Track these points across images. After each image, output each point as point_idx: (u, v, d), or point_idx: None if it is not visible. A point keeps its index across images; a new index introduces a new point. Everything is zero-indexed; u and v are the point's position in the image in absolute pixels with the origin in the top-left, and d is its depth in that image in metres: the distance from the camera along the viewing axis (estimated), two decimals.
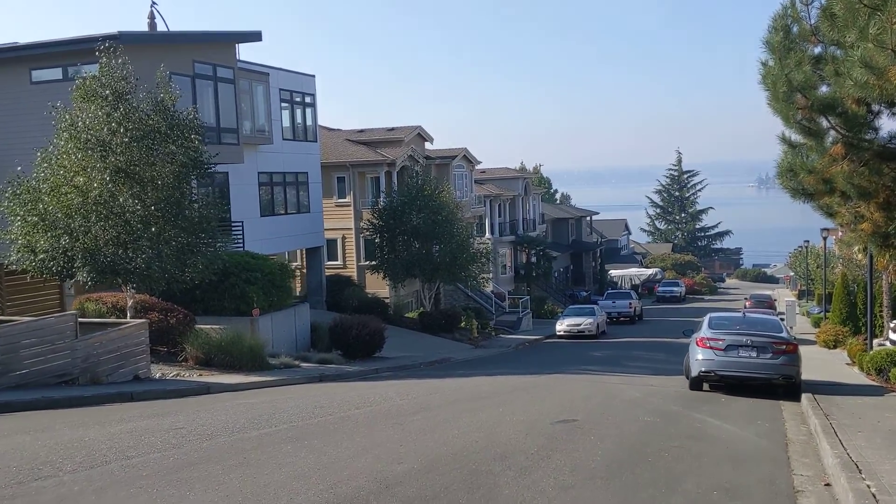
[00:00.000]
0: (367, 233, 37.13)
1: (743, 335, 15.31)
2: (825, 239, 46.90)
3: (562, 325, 39.56)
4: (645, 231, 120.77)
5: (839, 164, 11.66)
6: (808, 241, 65.14)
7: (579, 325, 39.07)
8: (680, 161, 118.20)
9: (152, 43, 23.98)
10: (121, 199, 18.20)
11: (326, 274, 37.77)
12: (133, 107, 18.71)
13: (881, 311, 34.99)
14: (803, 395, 14.33)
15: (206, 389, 15.55)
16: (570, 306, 45.92)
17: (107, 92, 18.75)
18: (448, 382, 17.18)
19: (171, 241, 18.77)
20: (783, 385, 15.25)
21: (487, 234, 56.48)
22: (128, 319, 17.52)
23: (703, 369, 15.31)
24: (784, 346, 15.12)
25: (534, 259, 61.67)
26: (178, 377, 17.14)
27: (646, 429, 10.22)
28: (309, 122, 35.72)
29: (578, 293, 66.60)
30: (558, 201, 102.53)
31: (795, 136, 12.05)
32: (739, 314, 17.39)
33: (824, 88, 11.68)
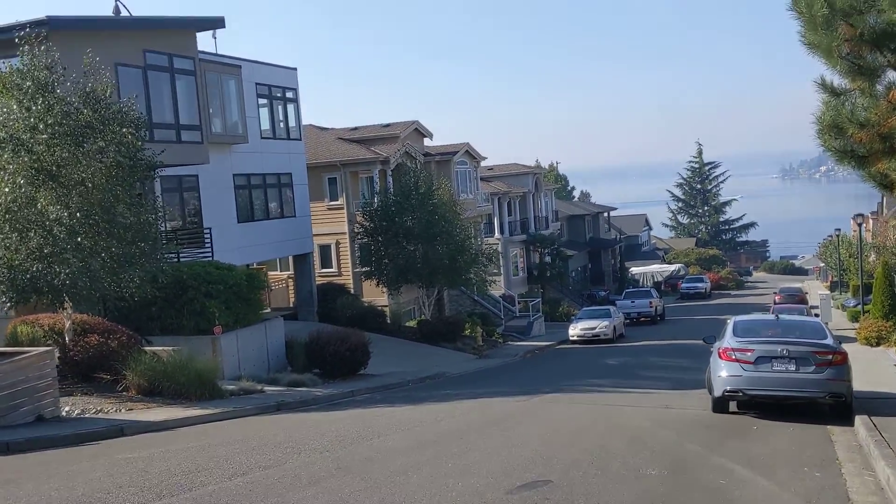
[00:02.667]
0: (360, 237, 34.27)
1: (777, 343, 12.25)
2: (860, 226, 43.42)
3: (574, 330, 36.51)
4: (667, 226, 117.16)
5: None
6: (839, 230, 61.45)
7: (594, 328, 35.99)
8: (701, 153, 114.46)
9: (91, 29, 21.24)
10: (40, 205, 15.55)
11: (319, 282, 35.04)
12: (59, 98, 16.03)
13: None
14: (857, 419, 11.27)
15: (120, 431, 12.76)
16: (585, 308, 42.79)
17: (27, 84, 16.08)
18: (417, 412, 14.25)
19: (102, 252, 16.07)
20: (830, 403, 12.18)
21: (496, 233, 53.45)
22: (30, 348, 14.74)
23: (728, 388, 12.26)
24: (830, 357, 12.03)
25: (548, 259, 58.50)
26: (97, 414, 14.35)
27: (645, 497, 7.18)
28: (291, 120, 32.97)
29: (597, 293, 63.40)
30: (577, 199, 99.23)
31: (839, 81, 9.02)
32: (771, 317, 14.26)
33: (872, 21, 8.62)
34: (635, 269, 79.22)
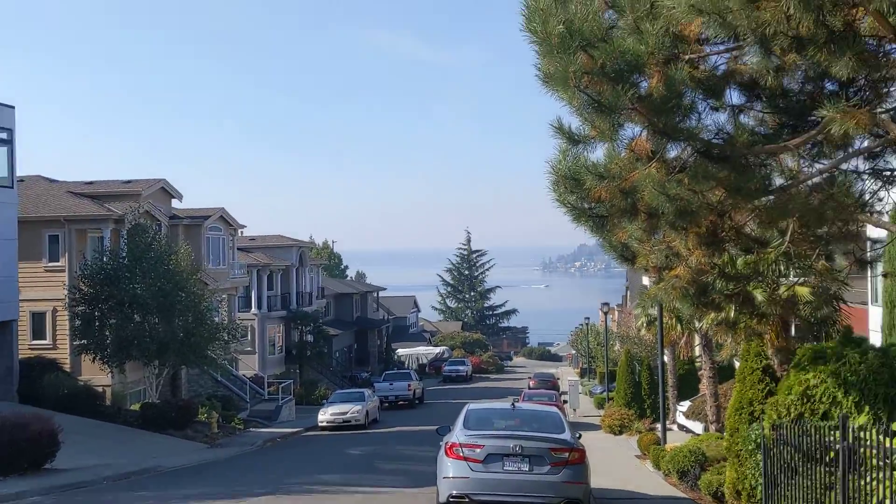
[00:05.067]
0: (77, 304, 29.53)
1: (510, 438, 10.50)
2: (606, 315, 45.10)
3: (325, 415, 33.72)
4: (436, 309, 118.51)
5: (646, 167, 7.21)
6: (587, 319, 64.32)
7: (345, 413, 33.43)
8: (469, 240, 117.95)
9: None
10: None
11: (27, 356, 29.72)
12: None
13: (666, 392, 32.30)
14: None
15: None
16: (338, 391, 40.17)
17: None
18: None
19: None
20: None
21: (253, 307, 49.88)
22: None
23: (454, 492, 10.28)
24: (567, 455, 10.46)
25: (310, 337, 55.43)
26: None
27: None
28: (2, 166, 28.12)
29: (359, 374, 61.12)
30: (352, 279, 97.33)
31: (579, 125, 7.51)
32: (508, 406, 12.64)
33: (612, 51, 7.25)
34: (402, 351, 78.13)
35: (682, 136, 7.24)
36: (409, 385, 44.89)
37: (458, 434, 10.84)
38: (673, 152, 7.64)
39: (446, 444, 10.96)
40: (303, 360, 53.48)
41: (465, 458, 10.33)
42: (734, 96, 9.83)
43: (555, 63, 6.90)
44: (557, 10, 6.76)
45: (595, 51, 6.99)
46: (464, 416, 11.51)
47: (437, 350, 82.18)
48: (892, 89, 9.62)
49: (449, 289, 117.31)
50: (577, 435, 12.20)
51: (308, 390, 47.59)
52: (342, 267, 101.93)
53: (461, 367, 69.83)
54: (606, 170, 7.49)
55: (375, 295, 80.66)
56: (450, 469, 10.43)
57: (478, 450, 10.36)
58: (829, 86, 9.15)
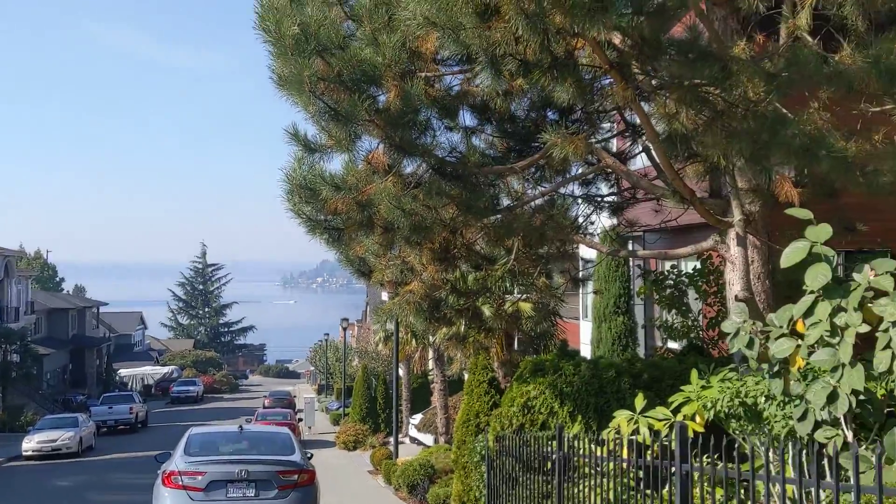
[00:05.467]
0: None
1: (236, 463, 9.88)
2: (345, 330, 45.21)
3: (30, 443, 30.06)
4: (167, 326, 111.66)
5: (383, 180, 7.12)
6: (327, 335, 64.15)
7: (54, 440, 30.03)
8: (205, 253, 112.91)
9: None
10: None
11: None
12: None
13: (400, 406, 32.93)
14: None
15: None
16: (47, 417, 36.13)
17: None
18: None
19: None
20: None
21: None
22: None
23: None
24: (296, 477, 10.06)
25: (16, 357, 49.40)
26: None
27: None
28: None
29: (74, 398, 55.55)
30: (69, 293, 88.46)
31: (315, 132, 7.26)
32: (235, 429, 11.95)
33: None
34: (125, 371, 72.48)
35: (417, 152, 7.25)
36: (130, 408, 41.67)
37: (177, 461, 10.00)
38: (409, 167, 7.65)
39: (164, 472, 10.06)
40: (7, 382, 47.48)
41: (185, 487, 9.53)
42: (467, 118, 10.15)
43: (289, 66, 6.59)
44: (293, 10, 6.47)
45: (332, 57, 6.79)
46: (185, 442, 10.67)
47: (166, 370, 77.33)
48: (603, 122, 10.51)
49: (181, 304, 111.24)
50: (309, 455, 11.86)
51: (13, 416, 42.48)
52: (57, 279, 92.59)
53: (191, 388, 66.27)
54: (343, 181, 7.30)
55: (95, 310, 74.08)
56: (166, 500, 9.57)
57: (199, 477, 9.61)
58: (550, 115, 9.77)
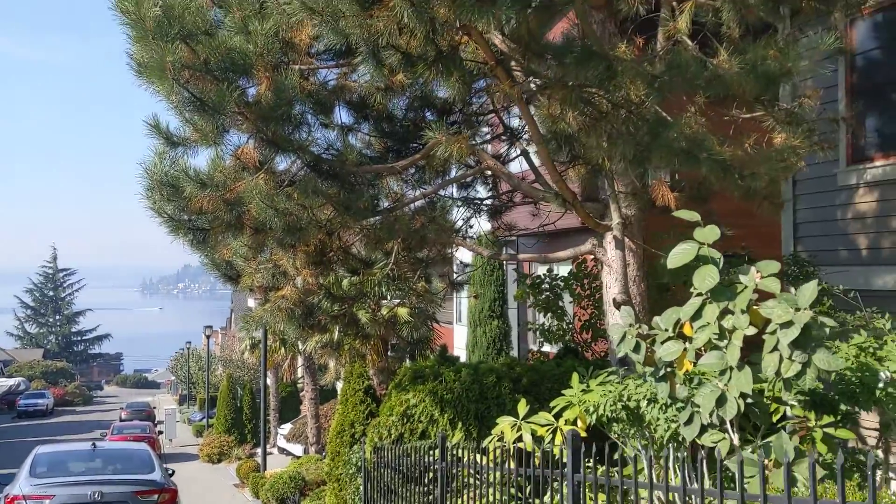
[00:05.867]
0: None
1: (88, 484, 9.05)
2: (209, 338, 43.46)
3: None
4: (13, 335, 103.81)
5: (254, 177, 6.66)
6: (189, 343, 61.54)
7: None
8: (56, 258, 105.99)
9: None
10: None
11: None
12: None
13: (268, 416, 31.95)
14: None
15: None
16: None
17: None
18: None
19: None
20: None
21: None
22: None
23: None
24: (156, 497, 9.36)
25: None
26: None
27: None
28: None
29: None
30: None
31: (179, 125, 6.69)
32: (87, 446, 11.01)
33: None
34: None
35: (291, 148, 6.81)
36: None
37: (22, 484, 9.06)
38: (283, 164, 7.20)
39: (6, 497, 9.09)
40: None
41: None
42: (343, 115, 9.79)
43: (150, 51, 6.02)
44: None
45: (198, 44, 6.26)
46: (31, 462, 9.70)
47: (12, 382, 71.78)
48: (481, 125, 10.40)
49: (29, 312, 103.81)
50: (170, 472, 11.13)
51: None
52: None
53: (40, 401, 61.82)
54: (209, 177, 6.76)
55: None
56: None
57: (47, 501, 8.74)
58: (429, 115, 9.55)
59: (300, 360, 26.39)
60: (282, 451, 28.55)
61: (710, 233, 4.62)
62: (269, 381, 30.96)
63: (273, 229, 6.81)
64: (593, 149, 5.71)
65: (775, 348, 4.24)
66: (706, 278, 4.53)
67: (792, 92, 7.36)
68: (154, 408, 52.88)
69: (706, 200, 8.11)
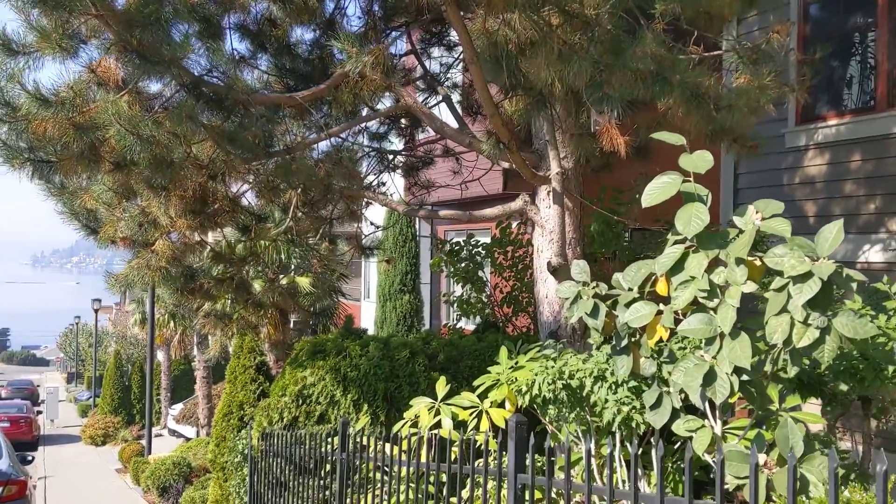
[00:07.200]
0: None
1: None
2: (97, 312, 40.76)
3: None
4: None
5: (115, 97, 5.33)
6: (79, 318, 58.06)
7: None
8: None
9: None
10: None
11: None
12: None
13: (158, 395, 30.04)
14: None
15: None
16: None
17: None
18: None
19: None
20: None
21: None
22: None
23: None
24: (1, 490, 7.83)
25: None
26: None
27: None
28: None
29: None
30: None
31: (20, 26, 5.26)
32: None
33: None
34: None
35: (162, 61, 5.43)
36: None
37: None
38: (155, 87, 5.83)
39: None
40: None
41: None
42: (237, 44, 8.43)
43: None
44: None
45: None
46: None
47: None
48: (399, 70, 9.17)
49: None
50: (29, 459, 9.64)
51: None
52: None
53: None
54: (56, 94, 5.33)
55: None
56: None
57: None
58: (338, 55, 8.28)
59: (195, 337, 24.59)
60: (173, 432, 26.71)
61: (701, 160, 3.58)
62: (160, 358, 28.96)
63: (137, 164, 5.45)
64: (541, 69, 4.63)
65: (784, 310, 3.25)
66: (692, 219, 3.50)
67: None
68: (38, 386, 49.63)
69: (649, 155, 7.18)
